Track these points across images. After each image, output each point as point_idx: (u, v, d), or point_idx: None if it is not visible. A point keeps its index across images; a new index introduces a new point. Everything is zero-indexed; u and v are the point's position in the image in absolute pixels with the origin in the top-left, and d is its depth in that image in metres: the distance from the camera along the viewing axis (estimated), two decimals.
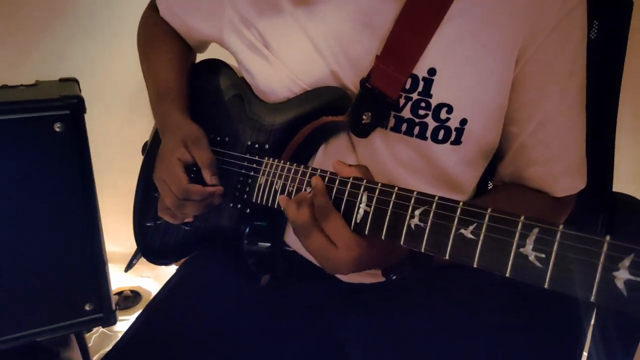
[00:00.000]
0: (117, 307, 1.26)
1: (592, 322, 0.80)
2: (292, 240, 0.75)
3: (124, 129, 1.53)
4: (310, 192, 0.59)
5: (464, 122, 0.66)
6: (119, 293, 1.64)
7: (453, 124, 0.66)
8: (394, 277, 0.61)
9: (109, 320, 1.08)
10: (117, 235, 1.33)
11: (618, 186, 0.92)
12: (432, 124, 0.67)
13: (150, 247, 0.90)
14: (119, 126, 1.56)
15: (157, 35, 0.89)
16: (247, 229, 0.74)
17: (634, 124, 1.34)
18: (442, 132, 0.67)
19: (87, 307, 1.06)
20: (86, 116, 1.08)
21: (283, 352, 0.73)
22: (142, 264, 1.06)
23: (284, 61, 0.71)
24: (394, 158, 0.70)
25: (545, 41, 0.65)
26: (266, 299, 0.75)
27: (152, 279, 1.70)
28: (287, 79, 0.71)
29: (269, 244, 0.74)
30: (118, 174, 1.30)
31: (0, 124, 0.88)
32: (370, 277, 0.75)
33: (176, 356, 0.65)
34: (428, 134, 0.67)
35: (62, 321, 1.04)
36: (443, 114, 0.66)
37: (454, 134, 0.67)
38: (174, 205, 0.73)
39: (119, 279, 1.65)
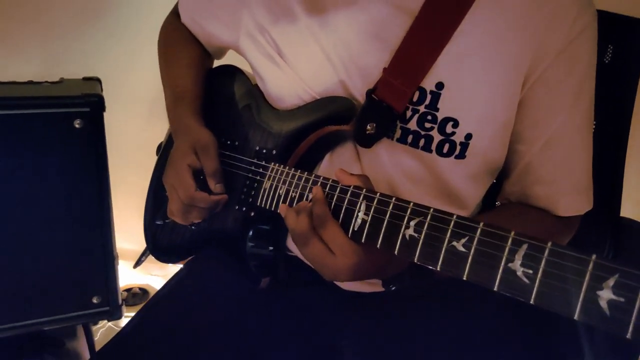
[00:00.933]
0: (125, 303, 1.29)
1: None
2: (294, 245, 0.77)
3: (141, 129, 1.57)
4: (310, 200, 0.61)
5: (469, 136, 0.67)
6: (128, 290, 1.67)
7: (458, 138, 0.67)
8: (393, 288, 0.62)
9: (115, 314, 1.10)
10: (129, 232, 1.36)
11: (626, 211, 0.91)
12: (437, 137, 0.68)
13: (158, 245, 0.93)
14: (137, 126, 1.59)
15: (177, 41, 0.92)
16: (251, 232, 0.75)
17: None
18: (447, 146, 0.68)
19: (94, 300, 1.08)
20: (105, 115, 1.11)
21: (280, 355, 0.74)
22: (152, 262, 1.08)
23: (296, 69, 0.73)
24: (399, 169, 0.71)
25: (555, 61, 0.66)
26: (266, 302, 0.76)
27: (161, 277, 1.72)
28: (298, 87, 0.73)
29: (271, 248, 0.76)
30: (133, 172, 1.33)
31: (22, 118, 0.92)
32: (370, 286, 0.76)
33: (173, 352, 0.66)
34: (433, 146, 0.68)
35: (69, 312, 1.06)
36: (449, 128, 0.67)
37: (458, 148, 0.68)
38: (180, 210, 0.75)
39: (128, 276, 1.68)
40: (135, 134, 1.54)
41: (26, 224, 0.98)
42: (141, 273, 1.70)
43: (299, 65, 0.73)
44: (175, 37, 0.93)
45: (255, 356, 0.71)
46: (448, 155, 0.68)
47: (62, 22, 1.48)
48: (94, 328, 1.37)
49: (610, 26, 0.86)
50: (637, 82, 0.90)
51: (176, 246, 0.89)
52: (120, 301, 1.11)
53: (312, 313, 0.78)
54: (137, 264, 1.06)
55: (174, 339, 0.67)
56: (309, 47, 0.72)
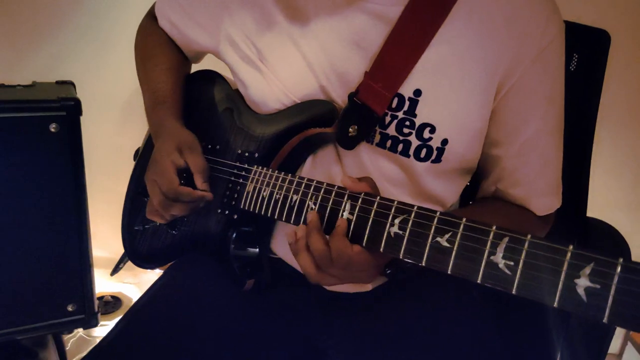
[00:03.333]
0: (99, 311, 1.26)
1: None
2: (278, 247, 0.78)
3: (116, 134, 1.55)
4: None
5: (445, 142, 0.70)
6: (100, 298, 1.64)
7: (435, 143, 0.70)
8: (388, 272, 0.64)
9: (91, 322, 1.08)
10: (104, 239, 1.34)
11: (592, 211, 0.96)
12: (415, 142, 0.70)
13: (137, 251, 0.91)
14: (112, 131, 1.57)
15: (154, 45, 0.91)
16: (234, 235, 0.76)
17: (609, 149, 1.39)
18: (424, 151, 0.70)
19: (69, 308, 1.06)
20: (81, 119, 1.09)
21: (266, 356, 0.74)
22: (125, 270, 1.07)
23: (277, 74, 0.74)
24: (379, 172, 0.73)
25: (528, 70, 0.69)
26: (250, 304, 0.76)
27: (134, 285, 1.69)
28: (279, 92, 0.74)
29: (255, 250, 0.76)
30: (109, 178, 1.31)
31: None
32: (354, 286, 0.77)
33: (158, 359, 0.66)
34: (411, 151, 0.70)
35: (44, 320, 1.04)
36: (426, 134, 0.69)
37: (435, 152, 0.70)
38: (162, 205, 0.75)
39: (100, 284, 1.64)
40: (110, 139, 1.52)
41: (0, 231, 0.95)
42: (114, 281, 1.67)
43: (280, 70, 0.74)
44: (153, 40, 0.92)
45: (241, 358, 0.71)
46: (425, 159, 0.71)
47: (32, 24, 1.46)
48: (66, 338, 1.34)
49: (575, 36, 0.91)
50: (600, 88, 0.95)
51: (156, 251, 0.88)
52: (96, 309, 1.09)
53: (296, 314, 0.79)
54: (115, 271, 1.04)
55: (158, 345, 0.66)
56: (290, 54, 0.73)
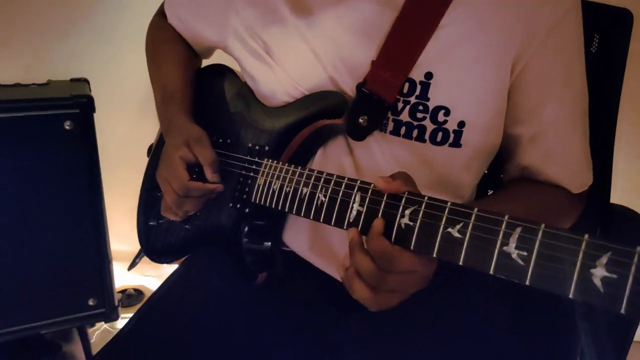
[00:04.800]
0: (120, 304, 1.28)
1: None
2: (290, 240, 0.77)
3: (132, 130, 1.56)
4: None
5: (462, 124, 0.68)
6: (123, 291, 1.67)
7: (451, 126, 0.68)
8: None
9: (111, 315, 1.09)
10: (122, 234, 1.36)
11: (615, 198, 0.93)
12: (430, 126, 0.68)
13: (152, 246, 0.92)
14: (128, 127, 1.59)
15: (164, 41, 0.92)
16: (246, 228, 0.75)
17: (632, 135, 1.35)
18: (440, 134, 0.69)
19: (90, 302, 1.07)
20: (95, 116, 1.10)
21: (279, 350, 0.74)
22: (146, 263, 1.08)
23: (285, 68, 0.74)
24: (392, 161, 0.72)
25: (543, 45, 0.67)
26: (263, 298, 0.76)
27: (155, 278, 1.72)
28: (288, 85, 0.74)
29: (267, 243, 0.76)
30: (125, 174, 1.32)
31: (12, 121, 0.91)
32: None
33: (172, 352, 0.66)
34: (426, 136, 0.69)
35: (65, 315, 1.05)
36: (441, 117, 0.68)
37: (452, 136, 0.69)
38: (175, 203, 0.75)
39: (123, 278, 1.67)
40: (126, 134, 1.54)
41: (19, 228, 0.97)
42: (135, 274, 1.70)
43: (288, 63, 0.74)
44: (163, 37, 0.93)
45: (254, 352, 0.71)
46: (442, 143, 0.69)
47: (48, 23, 1.48)
48: (90, 330, 1.36)
49: (596, 16, 0.87)
50: (623, 70, 0.92)
51: (171, 246, 0.89)
52: (116, 302, 1.10)
53: (310, 307, 0.78)
54: (132, 265, 1.06)
55: (172, 338, 0.67)
56: (298, 46, 0.72)
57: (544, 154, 0.72)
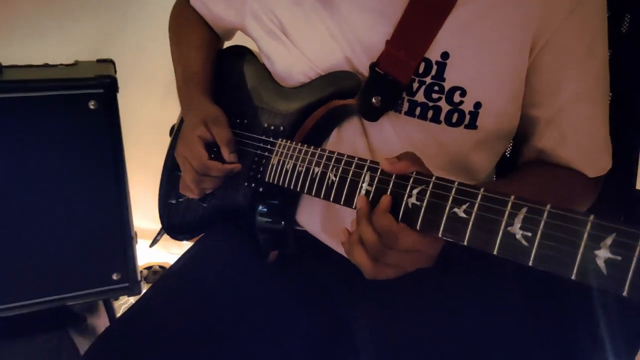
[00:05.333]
0: (146, 281, 1.33)
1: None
2: (303, 219, 0.78)
3: (157, 109, 1.59)
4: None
5: (478, 105, 0.67)
6: (149, 268, 1.72)
7: (467, 107, 0.67)
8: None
9: (134, 290, 1.14)
10: (148, 212, 1.39)
11: None
12: (445, 107, 0.68)
13: (172, 223, 0.95)
14: (153, 107, 1.61)
15: (186, 23, 0.94)
16: (260, 207, 0.77)
17: None
18: (455, 116, 0.68)
19: (114, 277, 1.12)
20: (121, 96, 1.13)
21: (291, 329, 0.75)
22: (171, 241, 1.11)
23: (301, 48, 0.74)
24: (407, 142, 0.71)
25: (563, 24, 0.65)
26: (275, 276, 0.78)
27: (180, 255, 1.76)
28: (304, 65, 0.74)
29: (280, 222, 0.77)
30: (150, 153, 1.35)
31: (39, 100, 0.94)
32: None
33: (183, 324, 0.68)
34: (442, 117, 0.68)
35: (90, 288, 1.10)
36: (456, 97, 0.67)
37: (467, 117, 0.68)
38: (194, 181, 0.77)
39: (149, 255, 1.72)
40: (151, 114, 1.56)
41: (47, 204, 1.01)
42: (161, 251, 1.75)
43: (304, 43, 0.74)
44: (185, 19, 0.94)
45: (266, 330, 0.73)
46: (457, 124, 0.68)
47: (77, 4, 1.50)
48: (116, 304, 1.42)
49: None
50: None
51: (189, 224, 0.91)
52: (139, 277, 1.15)
53: (321, 287, 0.79)
54: (154, 242, 1.09)
55: (184, 311, 0.69)
56: (313, 26, 0.72)
57: (560, 137, 0.70)
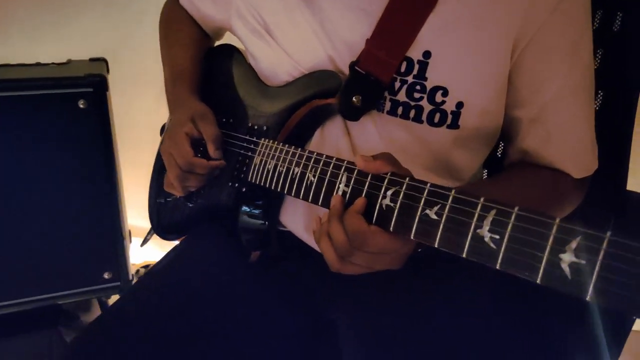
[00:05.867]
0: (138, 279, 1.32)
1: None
2: (287, 219, 0.77)
3: (151, 108, 1.59)
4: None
5: (460, 105, 0.66)
6: (146, 266, 1.72)
7: (449, 107, 0.67)
8: (419, 250, 0.60)
9: (126, 288, 1.14)
10: (142, 210, 1.39)
11: (633, 185, 0.89)
12: (427, 107, 0.67)
13: (160, 223, 0.95)
14: (148, 106, 1.61)
15: (176, 22, 0.94)
16: (243, 207, 0.76)
17: None
18: (437, 115, 0.67)
19: (105, 276, 1.12)
20: (116, 95, 1.13)
21: (275, 328, 0.75)
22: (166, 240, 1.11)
23: (284, 47, 0.73)
24: (390, 142, 0.71)
25: (546, 23, 0.64)
26: (258, 276, 0.77)
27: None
28: (288, 64, 0.73)
29: (263, 222, 0.77)
30: (145, 152, 1.35)
31: (28, 99, 0.95)
32: None
33: (165, 325, 0.68)
34: (424, 117, 0.68)
35: (82, 287, 1.11)
36: (438, 97, 0.66)
37: (450, 117, 0.67)
38: (178, 178, 0.77)
39: (146, 253, 1.72)
40: (146, 113, 1.56)
41: (37, 203, 1.02)
42: (158, 250, 1.75)
43: (287, 42, 0.74)
44: (175, 18, 0.95)
45: (249, 329, 0.73)
46: (439, 125, 0.68)
47: (72, 3, 1.51)
48: (110, 303, 1.42)
49: None
50: None
51: (177, 223, 0.91)
52: (130, 276, 1.15)
53: (305, 286, 0.79)
54: (144, 242, 1.09)
55: (162, 313, 0.68)
56: (297, 25, 0.72)
57: (544, 137, 0.69)
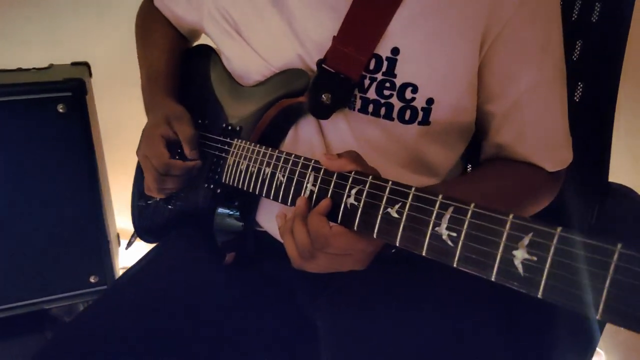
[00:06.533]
0: None
1: None
2: (263, 220, 0.77)
3: (138, 110, 1.59)
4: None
5: (430, 101, 0.66)
6: None
7: (419, 103, 0.66)
8: (393, 251, 0.59)
9: None
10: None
11: (614, 177, 0.88)
12: (397, 104, 0.66)
13: (142, 226, 0.95)
14: (134, 108, 1.61)
15: (151, 24, 0.93)
16: (219, 209, 0.76)
17: (633, 112, 1.27)
18: (408, 112, 0.67)
19: (92, 279, 1.12)
20: (100, 97, 1.12)
21: (254, 330, 0.75)
22: None
23: (255, 47, 0.73)
24: (363, 140, 0.70)
25: (514, 17, 0.63)
26: (236, 278, 0.77)
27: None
28: (259, 64, 0.73)
29: (238, 223, 0.77)
30: (132, 154, 1.35)
31: (7, 104, 0.95)
32: None
33: (137, 326, 0.67)
34: (394, 114, 0.67)
35: (68, 291, 1.11)
36: (408, 94, 0.66)
37: (420, 114, 0.67)
38: (155, 180, 0.76)
39: (134, 256, 1.72)
40: (133, 115, 1.56)
41: (22, 208, 1.02)
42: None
43: (257, 42, 0.73)
44: (150, 19, 0.94)
45: (226, 331, 0.72)
46: (410, 122, 0.67)
47: (55, 6, 1.50)
48: None
49: None
50: (625, 42, 0.86)
51: (158, 226, 0.90)
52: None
53: (284, 286, 0.79)
54: (129, 245, 1.09)
55: (136, 317, 0.68)
56: (266, 24, 0.71)
57: (517, 132, 0.69)
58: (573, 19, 0.89)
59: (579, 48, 0.89)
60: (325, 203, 0.54)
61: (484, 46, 0.65)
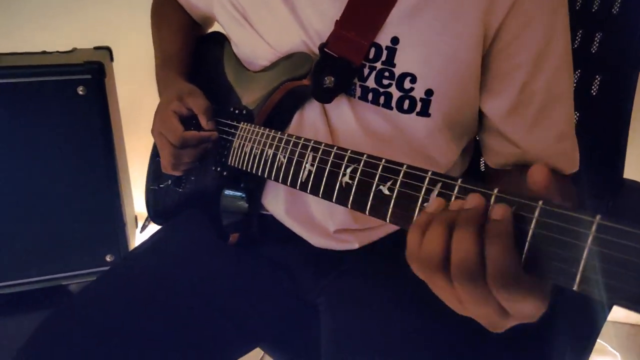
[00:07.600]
0: None
1: None
2: (268, 203, 0.78)
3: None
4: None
5: (429, 92, 0.65)
6: None
7: (418, 94, 0.66)
8: None
9: None
10: None
11: (629, 173, 0.86)
12: (396, 93, 0.66)
13: (155, 210, 0.97)
14: (154, 92, 1.65)
15: (166, 9, 0.96)
16: (225, 190, 0.77)
17: None
18: (407, 102, 0.66)
19: (107, 258, 1.15)
20: (121, 81, 1.15)
21: (256, 312, 0.76)
22: None
23: (262, 33, 0.74)
24: (367, 127, 0.70)
25: (516, 7, 0.62)
26: (240, 260, 0.79)
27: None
28: (265, 50, 0.74)
29: (244, 205, 0.78)
30: (149, 138, 1.38)
31: (29, 85, 0.98)
32: (341, 243, 0.76)
33: (141, 305, 0.69)
34: (393, 103, 0.67)
35: (85, 269, 1.14)
36: (407, 84, 0.65)
37: (419, 104, 0.66)
38: (172, 155, 0.76)
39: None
40: (153, 100, 1.59)
41: (41, 187, 1.06)
42: None
43: (264, 29, 0.74)
44: (165, 6, 0.97)
45: (229, 312, 0.73)
46: (409, 112, 0.67)
47: None
48: None
49: None
50: None
51: (168, 209, 0.93)
52: None
53: (286, 270, 0.79)
54: (143, 228, 1.12)
55: (139, 295, 0.70)
56: (272, 11, 0.72)
57: (525, 128, 0.67)
58: (594, 10, 0.87)
59: (597, 40, 0.87)
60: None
61: (486, 38, 0.63)
